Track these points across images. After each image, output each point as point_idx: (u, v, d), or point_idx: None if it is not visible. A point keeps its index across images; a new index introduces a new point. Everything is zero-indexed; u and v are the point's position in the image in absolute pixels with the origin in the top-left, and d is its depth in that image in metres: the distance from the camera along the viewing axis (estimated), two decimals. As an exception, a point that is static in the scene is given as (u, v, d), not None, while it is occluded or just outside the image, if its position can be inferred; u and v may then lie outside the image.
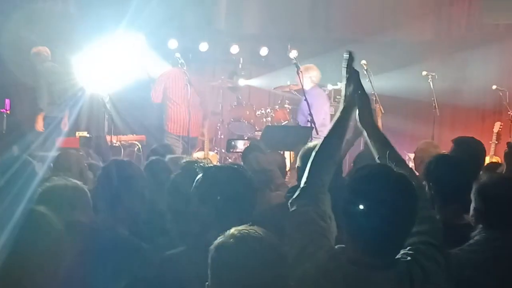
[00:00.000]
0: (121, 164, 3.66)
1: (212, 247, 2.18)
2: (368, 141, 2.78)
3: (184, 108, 8.98)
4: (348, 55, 2.81)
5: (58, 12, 10.82)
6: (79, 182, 3.45)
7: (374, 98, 9.22)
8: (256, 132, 10.47)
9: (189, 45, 11.26)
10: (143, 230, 3.63)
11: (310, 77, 9.50)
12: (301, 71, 8.78)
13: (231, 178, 2.88)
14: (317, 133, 8.12)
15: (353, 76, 2.81)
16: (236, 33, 11.68)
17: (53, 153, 6.09)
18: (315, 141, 4.28)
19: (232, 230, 2.21)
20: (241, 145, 7.23)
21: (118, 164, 3.68)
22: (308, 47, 11.48)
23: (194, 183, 2.88)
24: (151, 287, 2.78)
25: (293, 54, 11.00)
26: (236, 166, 2.97)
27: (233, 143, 7.04)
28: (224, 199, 2.80)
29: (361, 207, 2.26)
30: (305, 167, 3.72)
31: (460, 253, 3.10)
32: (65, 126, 9.12)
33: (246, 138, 10.28)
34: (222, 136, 10.72)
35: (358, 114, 2.77)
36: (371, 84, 9.35)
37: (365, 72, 9.32)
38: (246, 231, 2.18)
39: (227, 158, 10.14)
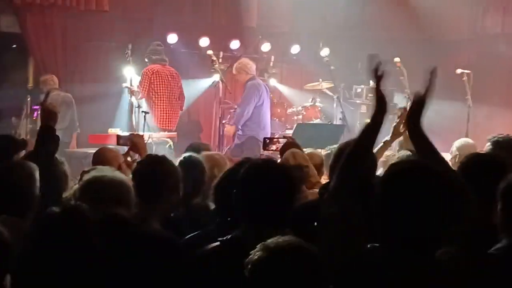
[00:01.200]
0: (157, 160, 3.67)
1: (249, 262, 2.16)
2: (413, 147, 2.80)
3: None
4: (372, 59, 2.81)
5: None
6: (124, 176, 3.46)
7: (407, 96, 9.13)
8: (286, 130, 10.45)
9: (220, 43, 11.27)
10: (178, 225, 3.64)
11: (244, 70, 9.34)
12: (332, 69, 8.71)
13: (274, 173, 2.88)
14: (349, 131, 8.06)
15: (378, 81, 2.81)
16: (268, 31, 11.65)
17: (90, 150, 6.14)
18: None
19: (268, 243, 2.19)
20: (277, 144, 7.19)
21: (154, 159, 3.69)
22: (341, 45, 11.41)
23: (240, 176, 2.90)
24: (186, 283, 2.78)
25: (325, 52, 10.97)
26: (278, 162, 2.98)
27: (268, 141, 6.99)
28: (266, 194, 2.79)
29: (397, 202, 2.22)
30: (337, 166, 3.76)
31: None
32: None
33: (279, 136, 10.28)
34: (253, 134, 10.68)
35: (405, 121, 2.78)
36: (405, 82, 9.27)
37: (398, 69, 9.23)
38: (282, 244, 2.16)
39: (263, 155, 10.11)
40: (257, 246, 2.27)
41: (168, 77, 9.43)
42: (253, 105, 9.13)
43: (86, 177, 3.40)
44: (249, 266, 2.14)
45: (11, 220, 3.10)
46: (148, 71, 9.38)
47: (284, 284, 2.02)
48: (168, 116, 9.36)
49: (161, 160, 3.66)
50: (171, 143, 9.68)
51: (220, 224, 3.29)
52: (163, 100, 9.25)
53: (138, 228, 3.13)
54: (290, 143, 6.50)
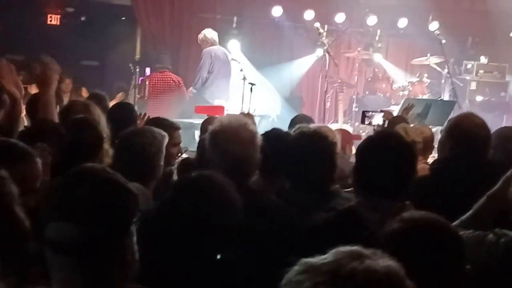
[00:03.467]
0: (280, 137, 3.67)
1: (384, 234, 2.09)
2: None
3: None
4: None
5: None
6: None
7: None
8: (391, 106, 10.21)
9: (325, 16, 11.09)
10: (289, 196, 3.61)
11: (205, 40, 9.52)
12: (443, 43, 8.38)
13: (395, 144, 2.82)
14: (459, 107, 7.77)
15: None
16: (374, 4, 11.35)
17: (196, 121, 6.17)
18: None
19: (406, 215, 2.12)
20: (378, 118, 7.01)
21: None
22: (450, 18, 10.97)
23: (359, 147, 2.85)
24: (302, 252, 2.76)
25: (434, 26, 10.58)
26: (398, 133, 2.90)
27: (368, 114, 6.84)
28: (386, 165, 2.72)
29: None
30: (449, 141, 3.64)
31: None
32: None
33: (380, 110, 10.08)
34: (357, 109, 10.52)
35: None
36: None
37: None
38: (420, 217, 2.07)
39: (361, 131, 9.97)
40: (390, 219, 2.18)
41: (162, 84, 9.66)
42: (205, 72, 9.34)
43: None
44: (384, 237, 2.05)
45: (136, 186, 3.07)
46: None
47: (421, 258, 1.92)
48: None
49: (283, 138, 3.63)
50: (274, 116, 9.70)
51: None
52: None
53: (263, 198, 3.12)
54: (399, 118, 6.35)
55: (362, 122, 8.66)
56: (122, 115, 4.69)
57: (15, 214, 1.91)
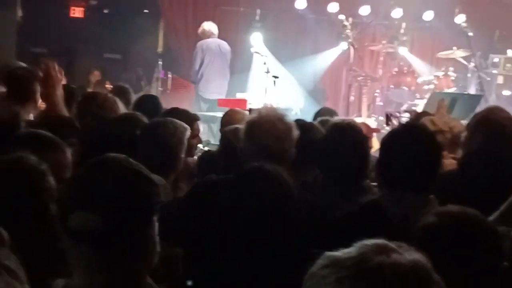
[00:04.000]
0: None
1: (419, 228, 2.02)
2: None
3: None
4: None
5: None
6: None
7: None
8: (416, 100, 10.09)
9: (350, 9, 10.97)
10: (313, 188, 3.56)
11: (202, 33, 9.63)
12: (471, 36, 8.24)
13: (420, 137, 2.76)
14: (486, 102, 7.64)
15: None
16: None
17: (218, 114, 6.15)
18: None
19: (442, 210, 2.06)
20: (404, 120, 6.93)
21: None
22: (477, 11, 10.78)
23: (382, 140, 2.78)
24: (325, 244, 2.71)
25: (461, 18, 10.40)
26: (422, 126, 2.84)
27: (393, 114, 6.74)
28: (411, 158, 2.66)
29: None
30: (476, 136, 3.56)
31: None
32: None
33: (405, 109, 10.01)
34: (382, 103, 10.41)
35: None
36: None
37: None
38: (457, 212, 2.00)
39: (384, 124, 9.85)
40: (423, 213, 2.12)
41: None
42: (197, 65, 9.39)
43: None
44: (419, 231, 1.99)
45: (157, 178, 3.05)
46: None
47: (458, 253, 1.86)
48: None
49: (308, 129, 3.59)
50: (298, 109, 9.63)
51: None
52: None
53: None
54: (424, 113, 6.23)
55: (387, 124, 8.54)
56: (147, 106, 4.65)
57: (50, 213, 1.97)
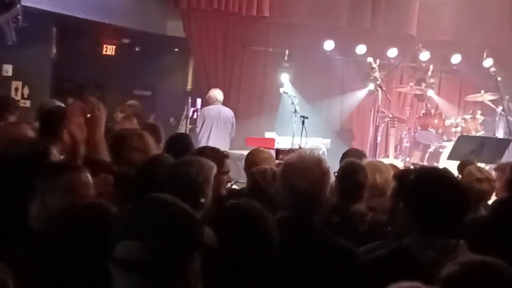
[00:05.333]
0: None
1: (443, 276, 2.03)
2: None
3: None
4: None
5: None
6: None
7: None
8: (443, 142, 10.09)
9: (378, 51, 11.07)
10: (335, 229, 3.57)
11: (209, 100, 10.04)
12: (499, 80, 8.25)
13: (449, 182, 2.76)
14: None
15: None
16: (427, 39, 11.28)
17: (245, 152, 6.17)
18: None
19: (466, 259, 2.06)
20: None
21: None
22: (505, 55, 10.80)
23: (410, 184, 2.79)
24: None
25: (489, 62, 10.44)
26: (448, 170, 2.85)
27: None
28: (441, 202, 2.66)
29: None
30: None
31: None
32: None
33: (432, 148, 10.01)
34: (408, 144, 10.41)
35: None
36: None
37: None
38: (480, 261, 2.01)
39: (411, 166, 9.83)
40: (448, 260, 2.13)
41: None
42: (198, 129, 9.82)
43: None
44: (442, 281, 2.00)
45: None
46: None
47: None
48: None
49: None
50: (325, 149, 9.66)
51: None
52: None
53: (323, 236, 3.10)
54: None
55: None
56: (179, 145, 4.73)
57: None
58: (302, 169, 3.02)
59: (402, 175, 3.19)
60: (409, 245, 2.82)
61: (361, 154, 5.64)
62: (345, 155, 5.61)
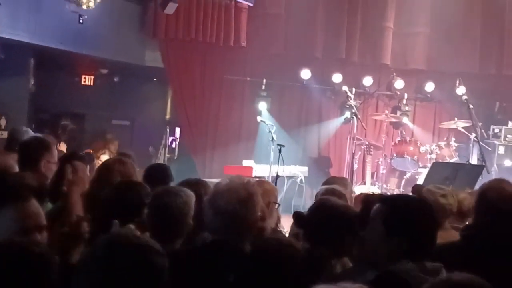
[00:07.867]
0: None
1: None
2: None
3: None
4: None
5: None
6: None
7: None
8: (419, 169, 10.23)
9: (353, 79, 11.28)
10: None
11: None
12: (471, 108, 8.45)
13: (418, 207, 2.83)
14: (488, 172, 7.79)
15: None
16: (402, 68, 11.51)
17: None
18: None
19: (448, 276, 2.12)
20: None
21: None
22: (478, 83, 11.07)
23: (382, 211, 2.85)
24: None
25: (461, 90, 10.68)
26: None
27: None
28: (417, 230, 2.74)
29: None
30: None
31: None
32: None
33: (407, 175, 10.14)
34: (384, 171, 10.55)
35: None
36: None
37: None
38: (461, 279, 2.06)
39: (388, 193, 9.97)
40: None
41: None
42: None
43: None
44: None
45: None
46: None
47: None
48: None
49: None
50: (302, 177, 9.77)
51: None
52: None
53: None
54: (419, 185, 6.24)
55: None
56: (157, 175, 4.80)
57: None
58: (227, 190, 3.06)
59: (367, 200, 3.26)
60: (400, 271, 2.82)
61: (347, 184, 5.60)
62: (327, 183, 5.58)
